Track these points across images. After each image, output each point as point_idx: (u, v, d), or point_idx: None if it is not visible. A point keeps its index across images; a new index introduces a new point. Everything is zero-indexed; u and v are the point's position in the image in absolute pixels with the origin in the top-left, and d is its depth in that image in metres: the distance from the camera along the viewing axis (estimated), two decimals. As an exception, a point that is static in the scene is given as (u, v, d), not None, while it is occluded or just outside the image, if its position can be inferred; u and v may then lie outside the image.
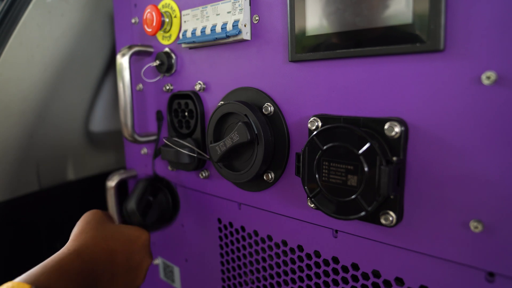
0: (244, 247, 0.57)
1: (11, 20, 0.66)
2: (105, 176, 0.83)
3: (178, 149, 0.58)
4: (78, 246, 0.48)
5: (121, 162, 1.03)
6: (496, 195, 0.33)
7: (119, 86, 0.63)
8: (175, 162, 0.61)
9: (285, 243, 0.51)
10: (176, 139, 0.61)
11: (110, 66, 0.90)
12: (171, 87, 0.63)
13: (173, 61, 0.61)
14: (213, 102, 0.57)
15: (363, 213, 0.37)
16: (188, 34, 0.55)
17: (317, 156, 0.40)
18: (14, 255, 0.79)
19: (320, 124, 0.42)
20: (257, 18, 0.48)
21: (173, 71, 0.62)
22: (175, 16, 0.59)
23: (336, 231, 0.45)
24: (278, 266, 0.52)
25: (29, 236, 0.82)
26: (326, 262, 0.46)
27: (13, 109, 0.73)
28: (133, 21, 0.68)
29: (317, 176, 0.40)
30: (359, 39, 0.39)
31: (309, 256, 0.48)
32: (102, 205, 0.76)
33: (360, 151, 0.36)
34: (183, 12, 0.56)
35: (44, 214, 0.84)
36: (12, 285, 0.38)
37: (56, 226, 0.86)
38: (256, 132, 0.47)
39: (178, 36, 0.60)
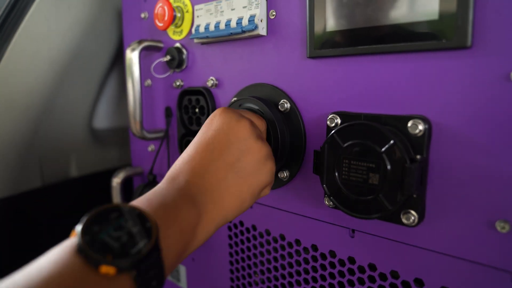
0: (255, 246, 0.56)
1: (18, 12, 0.65)
2: (108, 173, 0.82)
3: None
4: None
5: (124, 160, 1.02)
6: (524, 195, 0.32)
7: (128, 81, 0.62)
8: None
9: (298, 242, 0.50)
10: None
11: (115, 62, 0.89)
12: (182, 83, 0.62)
13: (184, 56, 0.60)
14: (225, 98, 0.56)
15: (385, 212, 0.36)
16: (201, 29, 0.54)
17: (337, 154, 0.39)
18: (15, 252, 0.77)
19: (339, 121, 0.41)
20: (274, 13, 0.47)
21: (183, 66, 0.61)
22: (187, 11, 0.58)
23: (353, 230, 0.44)
24: (291, 266, 0.51)
25: (31, 233, 0.80)
26: (341, 262, 0.46)
27: (17, 103, 0.72)
28: (142, 15, 0.67)
29: (336, 174, 0.39)
30: (381, 35, 0.38)
31: (323, 256, 0.47)
32: (105, 202, 0.75)
33: (383, 149, 0.36)
34: (196, 7, 0.55)
35: (47, 211, 0.83)
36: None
37: (58, 223, 0.85)
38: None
39: (189, 31, 0.59)
